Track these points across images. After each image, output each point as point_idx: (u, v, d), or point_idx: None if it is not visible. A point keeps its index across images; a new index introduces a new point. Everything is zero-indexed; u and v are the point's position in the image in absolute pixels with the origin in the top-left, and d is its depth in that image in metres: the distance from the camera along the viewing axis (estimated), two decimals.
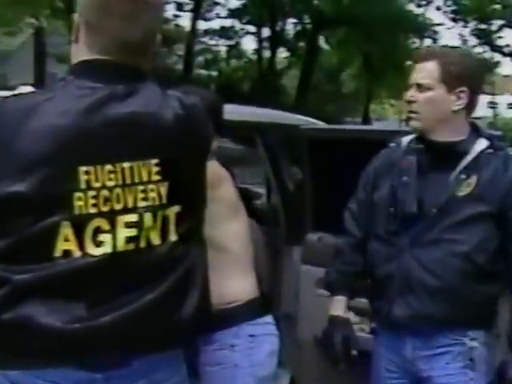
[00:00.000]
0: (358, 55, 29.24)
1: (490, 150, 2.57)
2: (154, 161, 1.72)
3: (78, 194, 1.66)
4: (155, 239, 1.74)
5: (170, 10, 27.26)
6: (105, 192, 1.68)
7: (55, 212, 1.65)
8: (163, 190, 1.74)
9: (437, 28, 28.49)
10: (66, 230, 1.66)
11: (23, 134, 1.63)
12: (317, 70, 28.16)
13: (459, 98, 2.58)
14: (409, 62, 28.22)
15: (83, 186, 1.66)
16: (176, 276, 1.79)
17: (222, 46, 30.00)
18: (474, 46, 29.12)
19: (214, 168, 2.33)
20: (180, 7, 27.35)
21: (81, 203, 1.66)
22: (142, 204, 1.72)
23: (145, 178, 1.72)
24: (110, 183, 1.69)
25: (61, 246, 1.66)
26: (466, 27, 28.75)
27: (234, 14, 27.65)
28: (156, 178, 1.73)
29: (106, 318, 1.68)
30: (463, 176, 2.54)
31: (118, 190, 1.69)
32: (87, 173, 1.67)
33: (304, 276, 3.49)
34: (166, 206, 1.75)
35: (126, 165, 1.70)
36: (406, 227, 2.58)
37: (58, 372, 1.70)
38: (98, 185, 1.67)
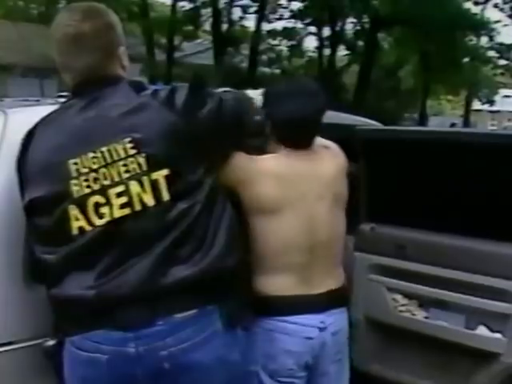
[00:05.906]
0: (416, 53, 29.09)
1: None
2: (127, 139, 2.00)
3: (73, 181, 2.01)
4: (149, 201, 1.98)
5: (236, 13, 28.42)
6: (93, 174, 2.00)
7: (62, 200, 2.01)
8: (142, 160, 1.99)
9: (494, 25, 27.91)
10: (74, 211, 2.00)
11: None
12: (375, 68, 28.05)
13: None
14: (466, 60, 27.76)
15: (75, 174, 2.01)
16: (178, 232, 1.99)
17: (284, 45, 30.30)
18: None
19: (244, 164, 2.39)
20: (245, 10, 28.17)
21: (77, 188, 2.01)
22: (125, 175, 1.99)
23: (122, 154, 2.00)
24: (95, 166, 2.01)
25: (75, 225, 2.00)
26: None
27: (295, 15, 27.89)
28: (132, 151, 2.00)
29: (112, 284, 1.95)
30: None
31: (104, 170, 2.00)
32: (75, 163, 2.02)
33: (357, 262, 3.60)
34: (151, 171, 1.99)
35: (104, 148, 2.01)
36: None
37: (99, 334, 1.98)
38: (86, 170, 2.01)
